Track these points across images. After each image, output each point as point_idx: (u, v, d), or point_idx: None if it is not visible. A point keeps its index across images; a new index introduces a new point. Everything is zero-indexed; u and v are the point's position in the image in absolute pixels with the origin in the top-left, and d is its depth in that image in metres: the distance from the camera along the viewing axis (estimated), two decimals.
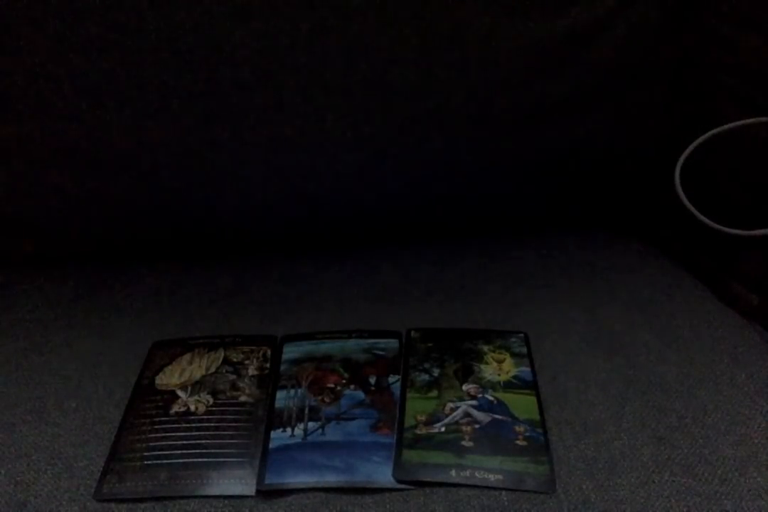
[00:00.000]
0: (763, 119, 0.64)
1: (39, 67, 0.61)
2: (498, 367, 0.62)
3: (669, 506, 0.49)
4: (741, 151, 0.68)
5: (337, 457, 0.53)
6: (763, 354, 0.62)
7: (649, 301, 0.69)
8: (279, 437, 0.55)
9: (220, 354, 0.64)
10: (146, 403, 0.59)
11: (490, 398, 0.58)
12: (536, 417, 0.56)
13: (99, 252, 0.78)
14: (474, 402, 0.58)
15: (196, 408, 0.58)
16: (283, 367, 0.63)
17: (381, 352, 0.64)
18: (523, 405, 0.58)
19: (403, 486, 0.52)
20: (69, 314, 0.70)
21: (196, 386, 0.61)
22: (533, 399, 0.58)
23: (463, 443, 0.54)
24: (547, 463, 0.52)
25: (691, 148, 0.67)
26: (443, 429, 0.56)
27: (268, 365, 0.63)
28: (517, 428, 0.55)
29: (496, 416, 0.57)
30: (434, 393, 0.59)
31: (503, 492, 0.51)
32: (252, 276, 0.76)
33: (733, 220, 0.67)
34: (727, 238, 0.66)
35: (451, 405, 0.58)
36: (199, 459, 0.54)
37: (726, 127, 0.66)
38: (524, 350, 0.64)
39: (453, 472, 0.52)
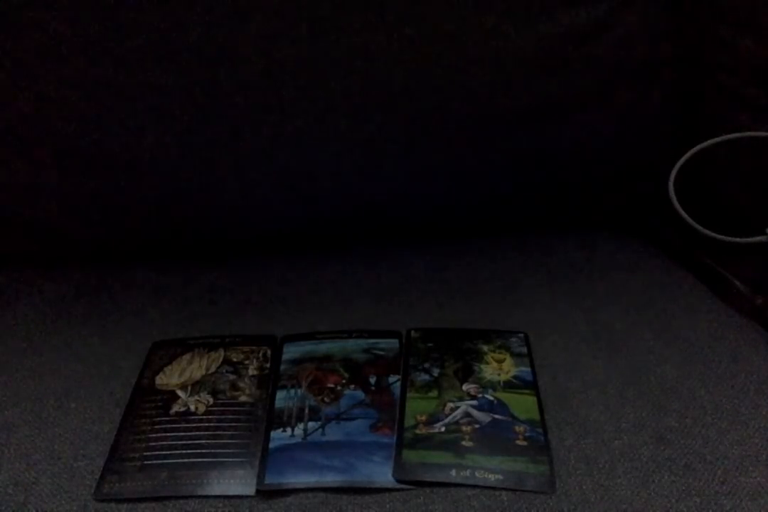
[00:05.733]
0: (747, 134, 0.64)
1: (39, 67, 0.61)
2: (498, 367, 0.62)
3: (669, 506, 0.49)
4: (737, 157, 0.68)
5: (337, 457, 0.53)
6: (763, 354, 0.62)
7: (649, 301, 0.69)
8: (279, 437, 0.55)
9: (220, 354, 0.64)
10: (146, 403, 0.59)
11: (490, 398, 0.58)
12: (536, 417, 0.56)
13: (99, 252, 0.78)
14: (474, 402, 0.58)
15: (196, 408, 0.58)
16: (283, 367, 0.63)
17: (381, 352, 0.64)
18: (523, 405, 0.58)
19: (403, 486, 0.51)
20: (69, 314, 0.70)
21: (196, 386, 0.61)
22: (533, 399, 0.58)
23: (463, 443, 0.54)
24: (547, 463, 0.52)
25: (681, 161, 0.67)
26: (443, 429, 0.56)
27: (268, 365, 0.63)
28: (517, 428, 0.55)
29: (496, 416, 0.57)
30: (434, 393, 0.59)
31: (503, 492, 0.51)
32: (252, 276, 0.76)
33: (733, 224, 0.67)
34: (725, 243, 0.67)
35: (451, 405, 0.58)
36: (199, 459, 0.54)
37: (714, 140, 0.66)
38: (524, 350, 0.64)
39: (453, 472, 0.52)
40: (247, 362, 0.63)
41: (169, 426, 0.57)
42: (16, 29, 0.59)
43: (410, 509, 0.50)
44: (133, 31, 0.60)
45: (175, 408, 0.58)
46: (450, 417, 0.57)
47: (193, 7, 0.59)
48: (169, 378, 0.62)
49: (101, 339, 0.67)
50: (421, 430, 0.56)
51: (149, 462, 0.54)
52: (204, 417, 0.57)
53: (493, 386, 0.60)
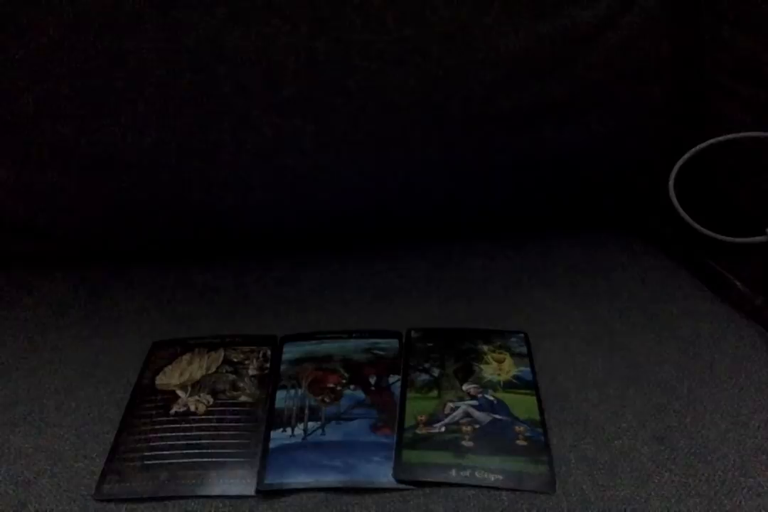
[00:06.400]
0: (747, 134, 0.64)
1: (39, 67, 0.61)
2: (498, 367, 0.62)
3: (669, 506, 0.49)
4: (737, 157, 0.68)
5: (337, 457, 0.53)
6: (763, 354, 0.62)
7: (649, 301, 0.69)
8: (279, 437, 0.55)
9: (220, 354, 0.64)
10: (146, 403, 0.59)
11: (490, 398, 0.58)
12: (536, 417, 0.56)
13: (99, 252, 0.78)
14: (474, 402, 0.58)
15: (196, 408, 0.58)
16: (283, 367, 0.63)
17: (381, 352, 0.64)
18: (523, 405, 0.58)
19: (403, 486, 0.51)
20: (69, 314, 0.70)
21: (196, 386, 0.61)
22: (533, 399, 0.58)
23: (463, 443, 0.54)
24: (547, 463, 0.52)
25: (681, 161, 0.67)
26: (443, 429, 0.56)
27: (268, 365, 0.63)
28: (517, 428, 0.55)
29: (496, 416, 0.57)
30: (434, 393, 0.59)
31: (503, 492, 0.51)
32: (252, 276, 0.76)
33: (733, 224, 0.67)
34: (725, 243, 0.67)
35: (451, 405, 0.58)
36: (199, 459, 0.54)
37: (714, 140, 0.66)
38: (524, 350, 0.64)
39: (453, 472, 0.52)
40: (247, 362, 0.63)
41: (169, 426, 0.57)
42: (16, 29, 0.59)
43: (410, 509, 0.50)
44: (133, 31, 0.60)
45: (175, 408, 0.58)
46: (450, 417, 0.57)
47: (193, 7, 0.59)
48: (169, 378, 0.62)
49: (101, 339, 0.67)
50: (421, 430, 0.56)
51: (149, 462, 0.54)
52: (204, 417, 0.57)
53: (493, 386, 0.60)
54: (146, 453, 0.54)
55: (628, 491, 0.50)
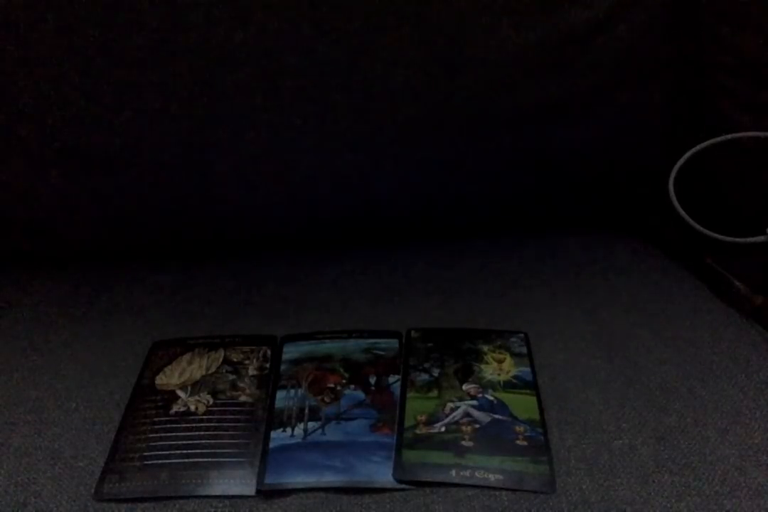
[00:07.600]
0: (747, 134, 0.64)
1: (39, 67, 0.61)
2: (498, 367, 0.62)
3: (669, 506, 0.49)
4: (737, 157, 0.68)
5: (337, 457, 0.53)
6: (763, 354, 0.62)
7: (649, 301, 0.69)
8: (279, 437, 0.55)
9: (220, 354, 0.64)
10: (146, 403, 0.59)
11: (490, 398, 0.58)
12: (536, 417, 0.56)
13: (99, 252, 0.78)
14: (474, 402, 0.58)
15: (196, 408, 0.58)
16: (283, 367, 0.63)
17: (381, 352, 0.64)
18: (523, 405, 0.58)
19: (403, 486, 0.52)
20: (69, 314, 0.70)
21: (196, 386, 0.61)
22: (533, 399, 0.58)
23: (463, 443, 0.54)
24: (547, 463, 0.52)
25: (681, 161, 0.67)
26: (443, 429, 0.56)
27: (268, 365, 0.63)
28: (517, 428, 0.55)
29: (496, 416, 0.57)
30: (434, 393, 0.59)
31: (503, 492, 0.51)
32: (252, 276, 0.76)
33: (733, 224, 0.67)
34: (725, 243, 0.67)
35: (451, 405, 0.58)
36: (199, 459, 0.54)
37: (714, 140, 0.66)
38: (524, 350, 0.64)
39: (453, 472, 0.52)
40: (247, 362, 0.63)
41: (169, 426, 0.57)
42: (17, 29, 0.59)
43: (410, 509, 0.50)
44: (133, 31, 0.60)
45: (175, 408, 0.58)
46: (450, 417, 0.57)
47: (193, 7, 0.59)
48: (169, 378, 0.62)
49: (101, 339, 0.67)
50: (421, 430, 0.56)
51: (149, 462, 0.54)
52: (204, 417, 0.57)
53: (493, 386, 0.60)
54: (146, 453, 0.54)
55: (628, 491, 0.50)
